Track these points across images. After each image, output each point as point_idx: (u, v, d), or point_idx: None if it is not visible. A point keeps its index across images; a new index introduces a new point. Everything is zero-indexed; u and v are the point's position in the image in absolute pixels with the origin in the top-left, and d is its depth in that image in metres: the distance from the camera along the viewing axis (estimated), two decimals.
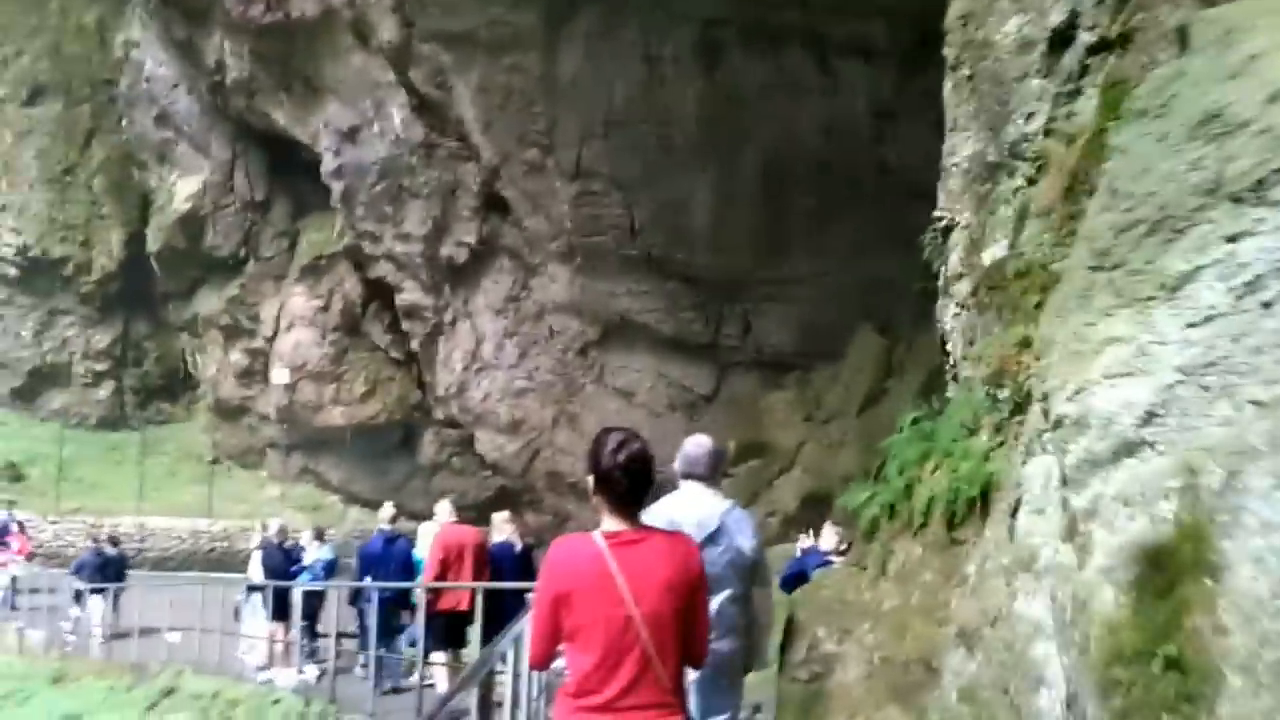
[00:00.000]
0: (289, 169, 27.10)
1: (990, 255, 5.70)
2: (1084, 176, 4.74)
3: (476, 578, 9.63)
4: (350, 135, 23.70)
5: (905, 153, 20.94)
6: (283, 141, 26.16)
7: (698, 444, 4.52)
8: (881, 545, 4.83)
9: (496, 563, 10.02)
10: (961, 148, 6.40)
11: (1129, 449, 2.49)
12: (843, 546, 7.42)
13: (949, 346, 6.42)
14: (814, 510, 19.59)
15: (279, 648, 12.81)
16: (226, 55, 25.79)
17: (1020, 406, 4.09)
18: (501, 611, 9.27)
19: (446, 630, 9.94)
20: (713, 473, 4.47)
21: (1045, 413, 2.90)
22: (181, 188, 28.56)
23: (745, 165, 21.15)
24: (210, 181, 28.23)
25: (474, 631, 9.51)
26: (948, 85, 6.79)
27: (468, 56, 21.32)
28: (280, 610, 12.68)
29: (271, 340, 26.96)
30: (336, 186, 24.17)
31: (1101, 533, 2.46)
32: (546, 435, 23.29)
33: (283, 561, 13.11)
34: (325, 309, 26.10)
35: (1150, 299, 2.55)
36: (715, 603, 3.90)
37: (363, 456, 26.06)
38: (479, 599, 9.13)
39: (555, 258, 22.53)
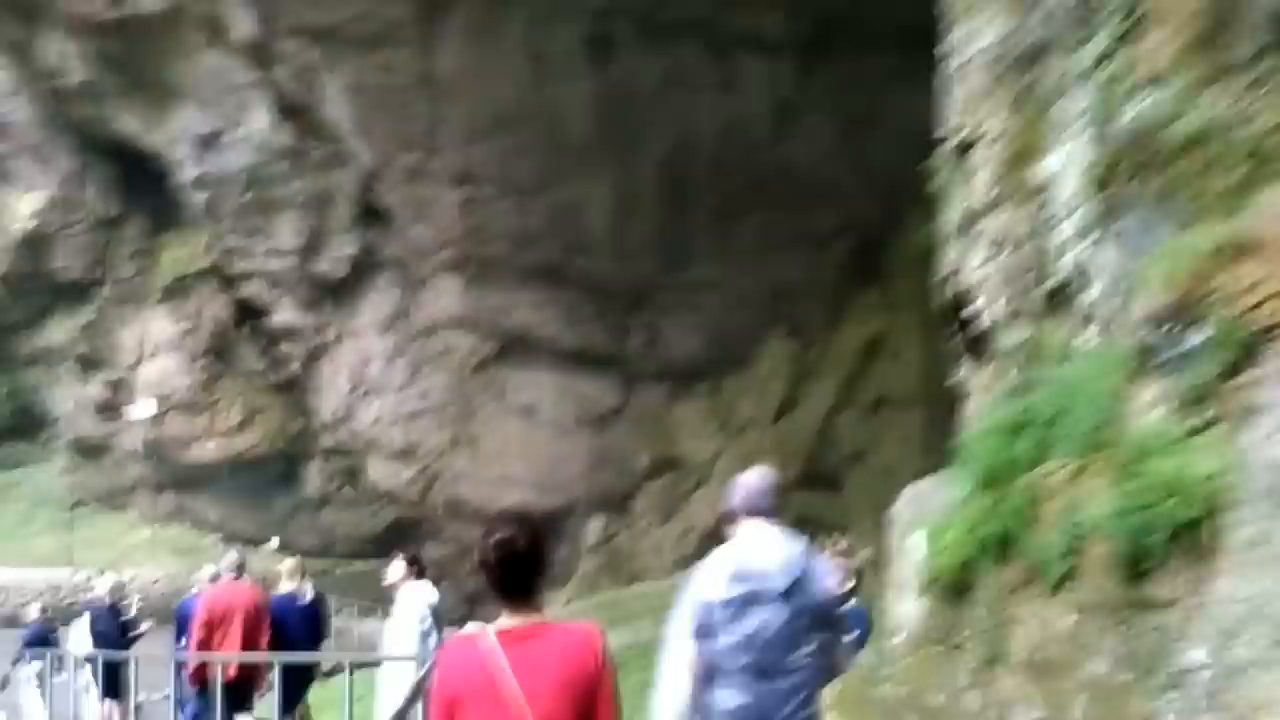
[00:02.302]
0: (143, 181, 24.91)
1: (1050, 166, 4.27)
2: (1229, 17, 3.35)
3: (249, 643, 8.54)
4: (209, 141, 21.94)
5: (808, 150, 20.16)
6: (134, 151, 24.04)
7: (760, 476, 3.98)
8: (991, 609, 3.24)
9: (279, 620, 8.77)
10: (981, 34, 4.89)
11: None
12: (849, 585, 5.27)
13: (975, 307, 4.91)
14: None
15: None
16: (67, 58, 23.46)
17: (1246, 352, 2.59)
18: (289, 674, 8.65)
19: (229, 699, 8.64)
20: (779, 507, 3.95)
21: None
22: (23, 205, 25.98)
23: (642, 166, 20.19)
24: (55, 197, 25.80)
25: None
26: None
27: (336, 53, 19.91)
28: (112, 686, 10.84)
29: (133, 370, 24.86)
30: (198, 198, 22.37)
31: None
32: (444, 460, 21.90)
33: (115, 627, 11.25)
34: (191, 333, 24.19)
35: None
36: (800, 658, 3.65)
37: (242, 492, 24.19)
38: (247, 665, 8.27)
39: (444, 269, 21.18)
